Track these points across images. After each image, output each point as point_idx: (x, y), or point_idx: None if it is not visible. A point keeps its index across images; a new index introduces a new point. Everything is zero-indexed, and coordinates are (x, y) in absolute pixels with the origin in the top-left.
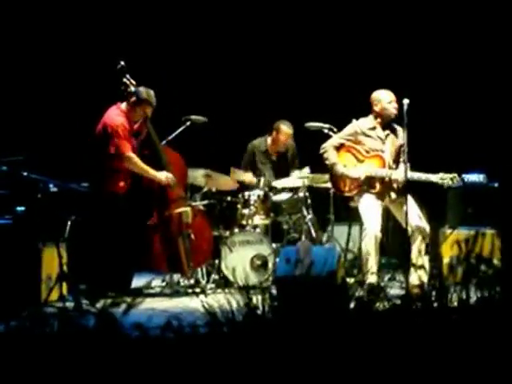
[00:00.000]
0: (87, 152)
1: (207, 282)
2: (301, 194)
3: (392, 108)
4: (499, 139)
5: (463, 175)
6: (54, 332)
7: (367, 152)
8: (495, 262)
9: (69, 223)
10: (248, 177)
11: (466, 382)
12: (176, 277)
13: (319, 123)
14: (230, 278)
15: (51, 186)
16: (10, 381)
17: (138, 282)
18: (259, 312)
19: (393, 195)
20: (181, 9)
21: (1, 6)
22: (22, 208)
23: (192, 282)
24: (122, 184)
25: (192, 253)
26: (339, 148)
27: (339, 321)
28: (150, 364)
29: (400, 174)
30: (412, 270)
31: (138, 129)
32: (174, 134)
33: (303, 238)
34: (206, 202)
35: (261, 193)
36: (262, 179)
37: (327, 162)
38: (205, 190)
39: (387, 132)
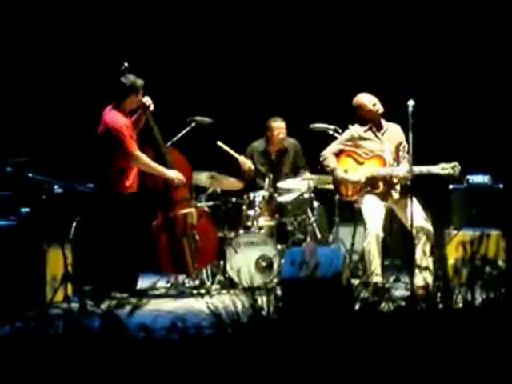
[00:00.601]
0: (91, 153)
1: (212, 283)
2: (306, 195)
3: (376, 109)
4: (504, 140)
5: (468, 176)
6: (58, 333)
7: (366, 154)
8: (500, 263)
9: (74, 224)
10: (247, 163)
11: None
12: (181, 278)
13: (324, 124)
14: (235, 279)
15: (56, 186)
16: (15, 382)
17: (143, 283)
18: (264, 313)
19: (396, 196)
20: (186, 10)
21: (3, 9)
22: (27, 209)
23: (197, 283)
24: (127, 184)
25: (197, 254)
26: (339, 154)
27: (344, 322)
28: (155, 365)
29: (402, 169)
30: (417, 271)
31: (136, 119)
32: (179, 136)
33: (308, 239)
34: (211, 203)
35: (266, 194)
36: (267, 180)
37: (327, 169)
38: (210, 191)
39: (383, 131)
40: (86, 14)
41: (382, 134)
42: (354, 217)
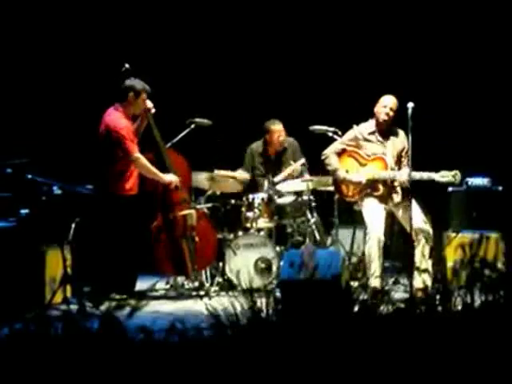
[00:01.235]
0: (91, 154)
1: (211, 284)
2: (305, 197)
3: (383, 113)
4: (504, 143)
5: (467, 178)
6: (58, 334)
7: (369, 156)
8: (499, 265)
9: (73, 226)
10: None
11: None
12: (180, 279)
13: (324, 126)
14: (234, 280)
15: (55, 188)
16: (15, 383)
17: (142, 284)
18: (263, 315)
19: (396, 198)
20: (186, 11)
21: (4, 10)
22: (26, 210)
23: (196, 284)
24: (127, 187)
25: (196, 255)
26: (341, 153)
27: (343, 324)
28: (155, 367)
29: (403, 174)
30: (416, 273)
31: (138, 124)
32: (178, 137)
33: (307, 241)
34: (210, 204)
35: (265, 196)
36: (266, 181)
37: (329, 168)
38: (209, 192)
39: (387, 135)
40: (87, 15)
41: (386, 138)
42: (353, 219)
